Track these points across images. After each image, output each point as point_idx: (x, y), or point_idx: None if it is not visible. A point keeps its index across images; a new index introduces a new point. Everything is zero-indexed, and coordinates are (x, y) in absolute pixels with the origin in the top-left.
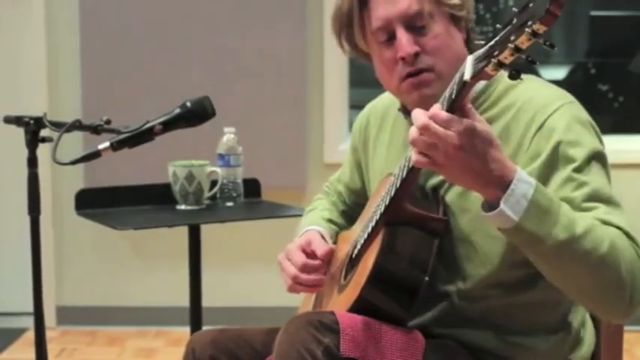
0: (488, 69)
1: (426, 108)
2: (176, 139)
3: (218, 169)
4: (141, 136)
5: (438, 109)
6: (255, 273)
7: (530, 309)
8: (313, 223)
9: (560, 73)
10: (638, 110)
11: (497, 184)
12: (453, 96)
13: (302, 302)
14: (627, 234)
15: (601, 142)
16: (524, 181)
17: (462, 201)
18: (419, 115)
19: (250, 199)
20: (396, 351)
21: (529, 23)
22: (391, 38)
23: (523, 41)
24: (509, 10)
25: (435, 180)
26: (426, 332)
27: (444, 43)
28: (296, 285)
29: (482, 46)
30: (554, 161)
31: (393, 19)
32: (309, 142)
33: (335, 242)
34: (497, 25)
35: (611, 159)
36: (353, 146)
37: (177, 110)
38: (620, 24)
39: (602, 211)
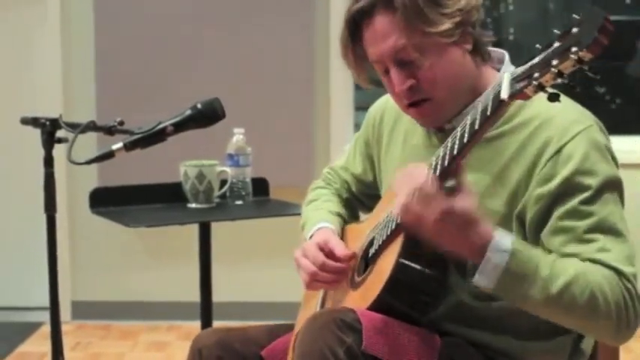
0: (528, 90)
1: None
2: (187, 140)
3: (228, 169)
4: (153, 137)
5: (429, 176)
6: (263, 269)
7: None
8: (322, 220)
9: None
10: (635, 112)
11: (477, 254)
12: (488, 113)
13: (304, 297)
14: (618, 271)
15: (616, 165)
16: (499, 250)
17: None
18: (403, 187)
19: (259, 198)
20: (414, 350)
21: (574, 49)
22: (388, 71)
23: (567, 67)
24: (511, 14)
25: (449, 184)
26: (437, 329)
27: (440, 72)
28: (314, 282)
29: (491, 52)
30: (566, 190)
31: (383, 56)
32: (315, 143)
33: (341, 234)
34: (537, 45)
35: None
36: (365, 140)
37: (189, 112)
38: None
39: (598, 245)
